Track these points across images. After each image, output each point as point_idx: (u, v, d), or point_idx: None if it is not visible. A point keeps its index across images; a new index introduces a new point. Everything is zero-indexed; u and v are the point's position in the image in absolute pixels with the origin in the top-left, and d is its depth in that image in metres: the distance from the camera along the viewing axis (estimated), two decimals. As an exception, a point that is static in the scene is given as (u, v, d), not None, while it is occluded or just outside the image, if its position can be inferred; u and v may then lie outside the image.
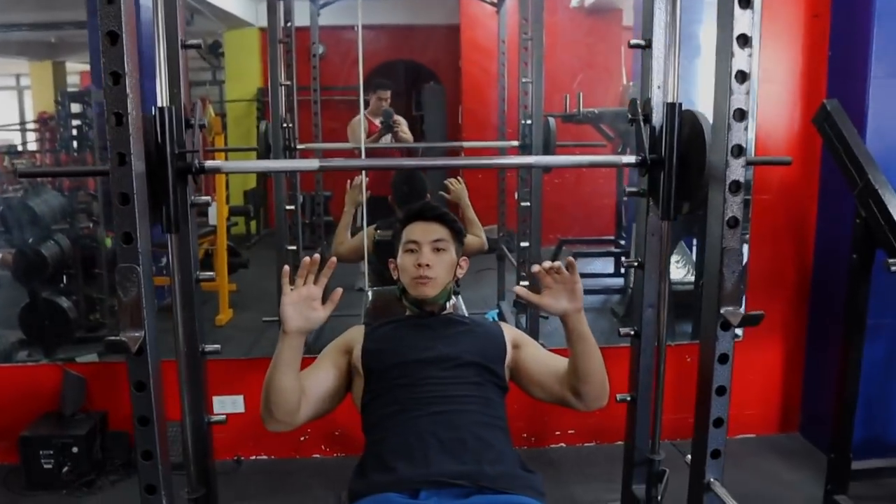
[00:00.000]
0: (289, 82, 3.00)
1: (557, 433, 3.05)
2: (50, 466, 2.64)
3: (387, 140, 3.46)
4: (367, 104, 3.85)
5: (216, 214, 3.82)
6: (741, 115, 1.45)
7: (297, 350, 1.44)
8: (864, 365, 2.47)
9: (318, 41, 3.82)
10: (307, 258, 1.42)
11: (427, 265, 1.65)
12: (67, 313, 3.41)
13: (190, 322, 1.71)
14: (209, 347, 1.77)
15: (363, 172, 2.89)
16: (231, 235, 4.11)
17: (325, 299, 1.44)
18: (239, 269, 4.10)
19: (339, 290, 1.43)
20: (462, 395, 1.53)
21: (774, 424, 3.15)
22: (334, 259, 1.46)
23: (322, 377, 1.61)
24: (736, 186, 1.47)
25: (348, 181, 2.99)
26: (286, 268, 1.42)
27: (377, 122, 3.52)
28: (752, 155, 2.62)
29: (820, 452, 2.89)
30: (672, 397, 1.91)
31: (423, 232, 1.69)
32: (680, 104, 1.65)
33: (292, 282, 1.41)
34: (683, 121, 1.65)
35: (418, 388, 1.52)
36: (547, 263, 1.46)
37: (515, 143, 3.23)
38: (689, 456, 1.61)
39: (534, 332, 2.93)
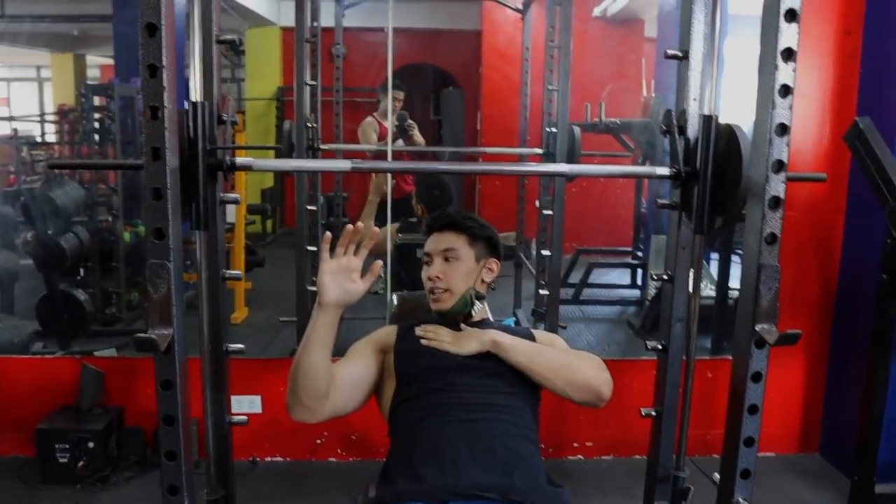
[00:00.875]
0: (314, 82, 2.99)
1: (575, 445, 3.01)
2: (65, 460, 2.63)
3: (399, 143, 3.44)
4: (379, 106, 3.84)
5: (234, 212, 3.83)
6: (783, 129, 1.42)
7: (332, 326, 1.40)
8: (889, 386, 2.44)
9: (342, 42, 3.82)
10: (350, 226, 1.39)
11: (437, 277, 1.63)
12: (84, 306, 3.42)
13: (215, 320, 1.69)
14: (233, 347, 1.75)
15: (388, 176, 2.88)
16: (247, 233, 4.12)
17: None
18: (255, 268, 4.11)
19: (379, 263, 1.40)
20: (494, 404, 1.50)
21: (794, 444, 3.10)
22: (377, 229, 1.43)
23: (353, 367, 1.58)
24: (775, 202, 1.44)
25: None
26: (328, 234, 1.38)
27: (387, 124, 3.49)
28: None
29: (840, 473, 2.84)
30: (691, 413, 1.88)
31: (434, 243, 1.69)
32: (717, 116, 1.63)
33: (332, 251, 1.38)
34: (719, 133, 1.63)
35: (450, 394, 1.50)
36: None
37: (538, 150, 3.19)
38: (717, 474, 1.58)
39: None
